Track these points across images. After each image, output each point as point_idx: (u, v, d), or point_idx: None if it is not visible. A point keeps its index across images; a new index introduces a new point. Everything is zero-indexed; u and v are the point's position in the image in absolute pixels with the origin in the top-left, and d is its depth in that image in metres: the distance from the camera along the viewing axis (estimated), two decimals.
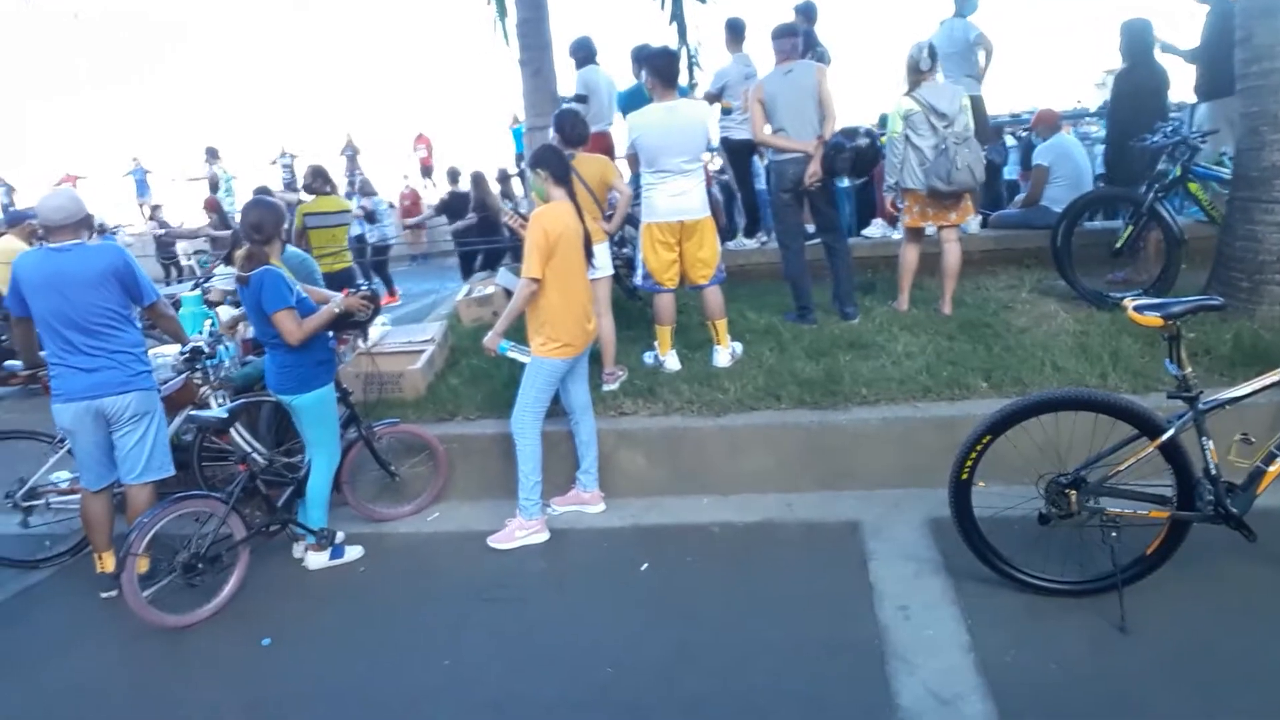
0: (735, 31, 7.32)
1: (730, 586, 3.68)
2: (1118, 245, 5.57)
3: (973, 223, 6.83)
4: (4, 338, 7.14)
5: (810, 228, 6.06)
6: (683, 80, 7.52)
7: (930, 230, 5.73)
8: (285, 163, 18.19)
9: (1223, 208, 5.24)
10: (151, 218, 15.72)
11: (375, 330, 5.51)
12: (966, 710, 2.72)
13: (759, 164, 7.48)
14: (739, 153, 7.36)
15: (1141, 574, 3.15)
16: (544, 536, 4.25)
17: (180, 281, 13.63)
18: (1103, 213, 6.90)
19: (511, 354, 4.31)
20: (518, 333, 4.39)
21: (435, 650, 3.38)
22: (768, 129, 5.55)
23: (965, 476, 3.22)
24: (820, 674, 3.00)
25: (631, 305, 6.17)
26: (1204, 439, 3.02)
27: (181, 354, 4.58)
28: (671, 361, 5.25)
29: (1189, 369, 3.03)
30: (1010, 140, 10.50)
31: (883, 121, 6.17)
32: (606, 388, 5.02)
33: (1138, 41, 5.99)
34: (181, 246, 14.57)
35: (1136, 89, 6.01)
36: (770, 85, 5.51)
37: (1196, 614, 3.10)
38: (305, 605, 3.90)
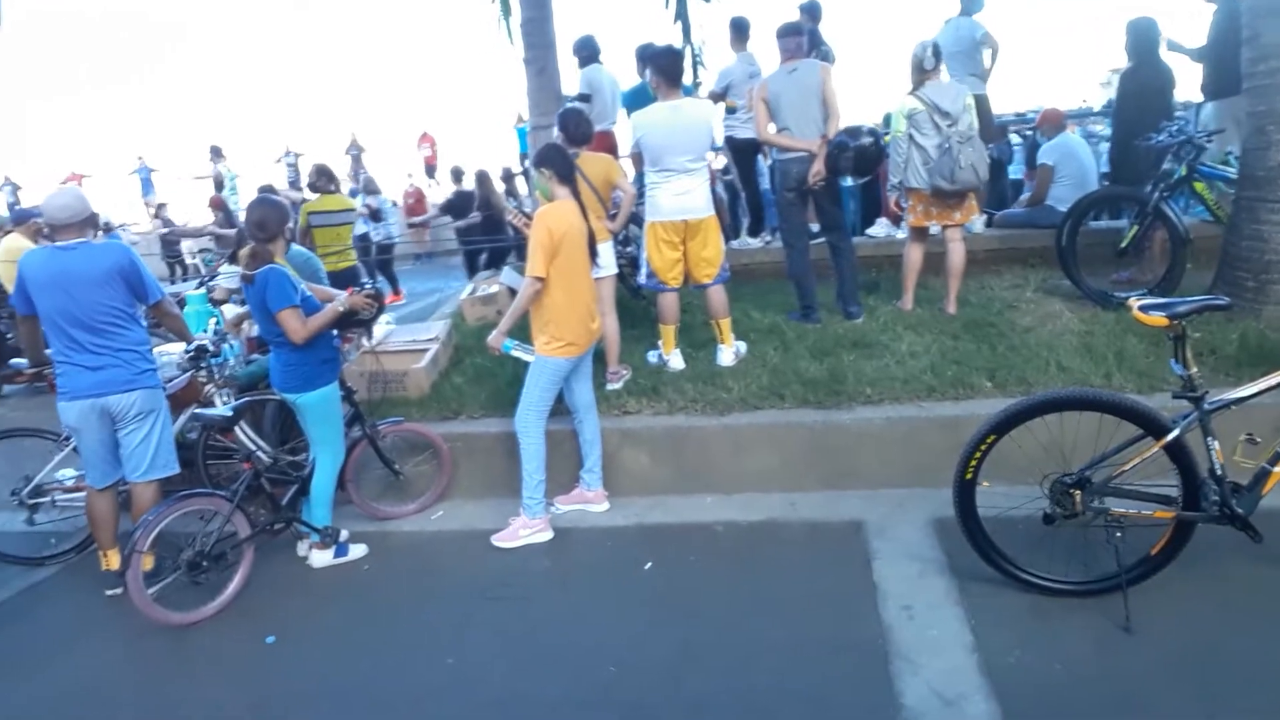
0: (740, 30, 7.31)
1: (734, 586, 3.68)
2: (1123, 245, 5.55)
3: (977, 222, 6.82)
4: (10, 336, 7.16)
5: (815, 227, 6.06)
6: (687, 79, 7.51)
7: (935, 229, 5.72)
8: (290, 161, 18.23)
9: (1228, 207, 5.22)
10: (156, 216, 15.75)
11: (379, 329, 5.52)
12: (970, 710, 2.72)
13: (763, 163, 7.48)
14: (743, 152, 7.36)
15: (1146, 574, 3.14)
16: (548, 535, 4.25)
17: (185, 280, 13.67)
18: (1108, 212, 6.88)
19: (515, 353, 4.31)
20: (522, 331, 4.39)
21: (439, 649, 3.39)
22: (772, 128, 5.54)
23: (970, 476, 3.21)
24: (824, 674, 3.00)
25: (635, 304, 6.17)
26: (1209, 439, 3.01)
27: (186, 352, 4.60)
28: (675, 360, 5.25)
29: (1194, 369, 3.03)
30: (1015, 139, 10.47)
31: (887, 120, 6.16)
32: (610, 387, 5.02)
33: (1143, 40, 5.97)
34: (186, 245, 14.59)
35: (1142, 88, 6.00)
36: (774, 84, 5.50)
37: (1201, 615, 3.09)
38: (309, 603, 3.91)
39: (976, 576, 3.39)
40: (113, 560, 4.07)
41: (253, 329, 5.13)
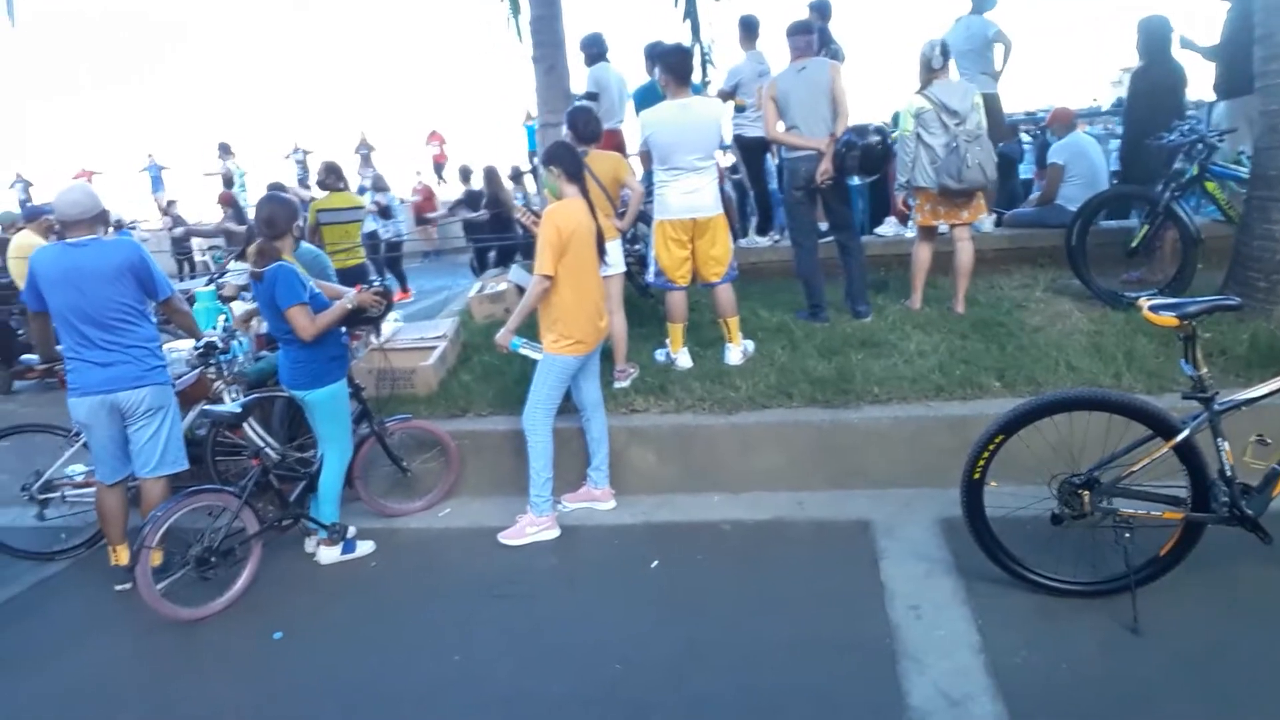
0: (749, 29, 7.30)
1: (740, 584, 3.68)
2: (1133, 244, 5.52)
3: (987, 221, 6.79)
4: (21, 332, 7.22)
5: (823, 226, 6.05)
6: (696, 78, 7.51)
7: (943, 228, 5.70)
8: (298, 158, 18.29)
9: (1240, 207, 5.19)
10: (166, 213, 15.82)
11: (388, 326, 5.54)
12: (977, 711, 2.71)
13: (771, 162, 7.47)
14: (752, 150, 7.35)
15: (1155, 575, 3.13)
16: (554, 533, 4.26)
17: (193, 277, 13.73)
18: (1118, 211, 6.85)
19: (523, 351, 4.31)
20: (530, 329, 4.39)
21: (445, 646, 3.39)
22: (780, 126, 5.53)
23: (977, 476, 3.20)
24: (830, 673, 2.99)
25: (643, 302, 6.17)
26: (1219, 440, 2.99)
27: (196, 349, 4.62)
28: (683, 359, 5.25)
29: (1204, 369, 3.01)
30: (1025, 138, 10.43)
31: (895, 119, 6.14)
32: (618, 385, 5.02)
33: (1155, 39, 5.94)
34: (196, 242, 14.66)
35: (1153, 87, 5.97)
36: (783, 82, 5.49)
37: (1210, 616, 3.07)
38: (317, 599, 3.92)
39: (984, 576, 3.38)
40: (122, 555, 4.09)
41: (261, 326, 5.15)
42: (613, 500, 4.53)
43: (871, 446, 4.42)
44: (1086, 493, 3.08)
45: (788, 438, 4.53)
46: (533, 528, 4.23)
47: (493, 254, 10.36)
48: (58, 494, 4.57)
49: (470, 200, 11.43)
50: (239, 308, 5.59)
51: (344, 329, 4.31)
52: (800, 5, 7.42)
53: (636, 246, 5.94)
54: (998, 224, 7.09)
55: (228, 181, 15.30)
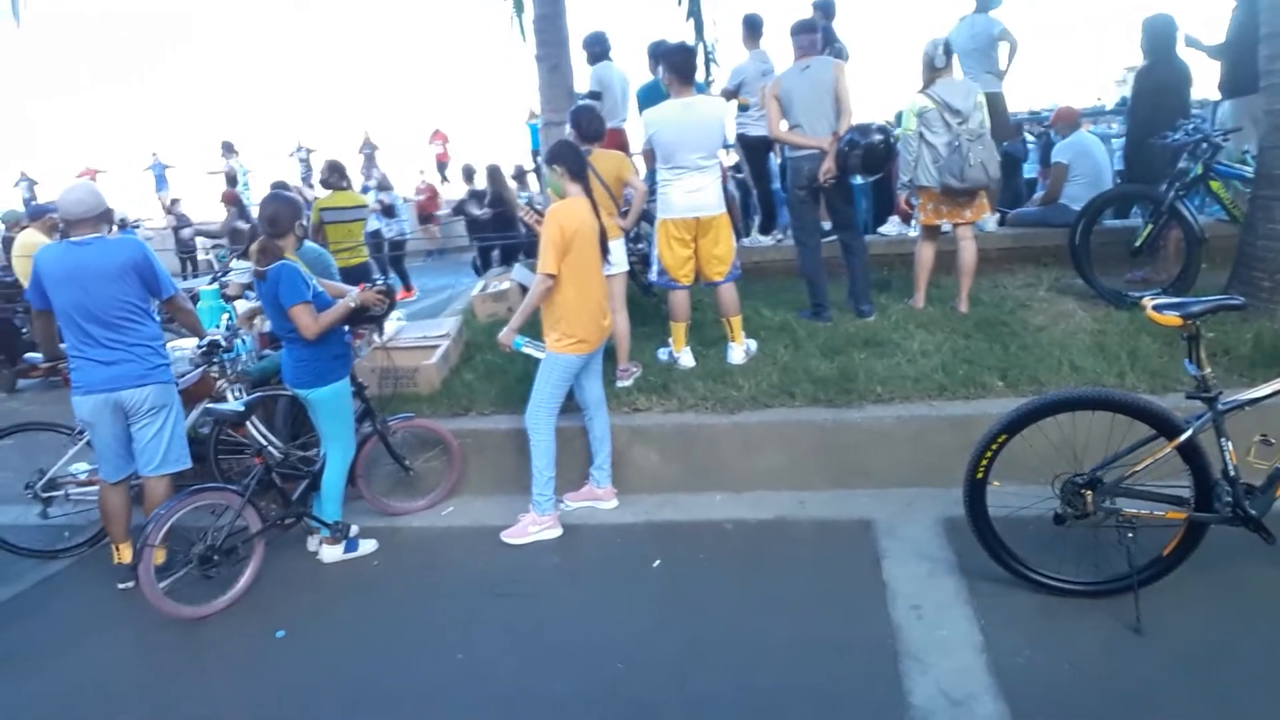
0: (752, 28, 7.30)
1: (742, 584, 3.68)
2: (1137, 244, 5.51)
3: (990, 220, 6.79)
4: (25, 330, 7.24)
5: (826, 225, 6.04)
6: (699, 77, 7.50)
7: (946, 228, 5.69)
8: (301, 157, 18.32)
9: (1244, 206, 5.17)
10: (170, 211, 15.86)
11: (391, 325, 5.54)
12: (979, 710, 2.71)
13: (774, 161, 7.46)
14: (755, 149, 7.34)
15: (1157, 575, 3.12)
16: (557, 532, 4.26)
17: (196, 276, 13.75)
18: (1122, 211, 6.83)
19: (526, 349, 4.31)
20: (533, 328, 4.40)
21: (447, 644, 3.40)
22: (784, 125, 5.53)
23: (980, 475, 3.20)
24: (832, 672, 2.99)
25: (646, 301, 6.17)
26: (1223, 440, 2.99)
27: (199, 347, 4.63)
28: (686, 358, 5.25)
29: (1208, 369, 3.00)
30: (1030, 137, 10.41)
31: (898, 118, 6.14)
32: (621, 384, 5.02)
33: (1160, 38, 5.92)
34: (200, 240, 14.68)
35: (1158, 86, 5.95)
36: (787, 81, 5.49)
37: (1213, 616, 3.07)
38: (319, 598, 3.92)
39: (986, 576, 3.37)
40: (125, 554, 4.10)
41: (265, 324, 5.15)
42: (615, 499, 4.53)
43: (874, 446, 4.41)
44: (1089, 492, 3.08)
45: (790, 437, 4.53)
46: (535, 526, 4.23)
47: (496, 253, 10.37)
48: (61, 492, 4.58)
49: (475, 199, 11.44)
50: (242, 306, 5.60)
51: (347, 327, 4.31)
52: (804, 4, 7.41)
53: (640, 245, 5.94)
54: (1001, 223, 7.08)
55: (231, 180, 15.32)
